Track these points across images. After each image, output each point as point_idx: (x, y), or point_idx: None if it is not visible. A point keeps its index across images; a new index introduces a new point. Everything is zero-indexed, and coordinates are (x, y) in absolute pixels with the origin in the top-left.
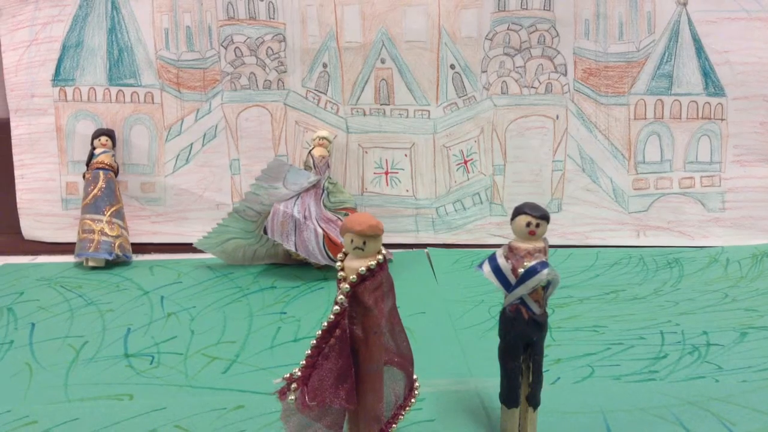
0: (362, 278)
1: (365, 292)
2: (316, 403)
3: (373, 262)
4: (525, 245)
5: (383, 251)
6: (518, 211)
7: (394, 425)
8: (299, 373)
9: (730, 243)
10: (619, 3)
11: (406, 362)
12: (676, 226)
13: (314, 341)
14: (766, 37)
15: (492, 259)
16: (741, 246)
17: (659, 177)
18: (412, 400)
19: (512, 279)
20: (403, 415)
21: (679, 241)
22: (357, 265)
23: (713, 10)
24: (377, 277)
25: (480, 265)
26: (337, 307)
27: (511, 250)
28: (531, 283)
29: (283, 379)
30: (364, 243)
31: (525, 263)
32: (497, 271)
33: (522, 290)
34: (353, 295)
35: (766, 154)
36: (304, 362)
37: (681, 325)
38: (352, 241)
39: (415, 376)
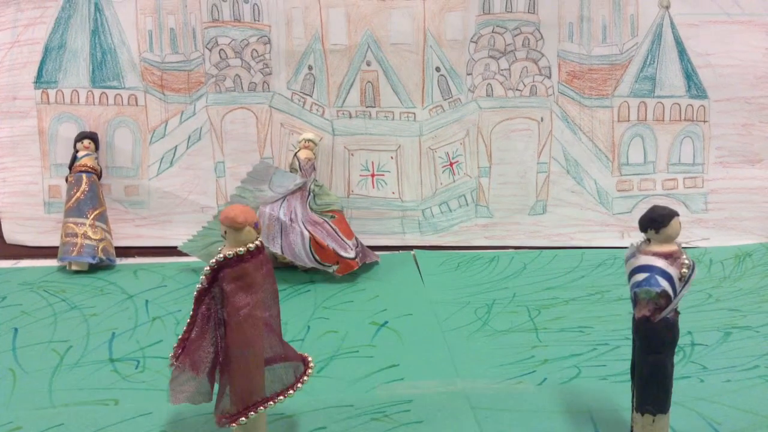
0: (221, 264)
1: (225, 278)
2: (180, 363)
3: (231, 252)
4: (678, 247)
5: (257, 243)
6: (671, 214)
7: (281, 397)
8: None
9: (713, 244)
10: (603, 6)
11: (288, 356)
12: None
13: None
14: (747, 40)
15: (662, 274)
16: (724, 246)
17: (643, 178)
18: (305, 378)
19: (678, 285)
20: (291, 393)
21: None
22: (225, 251)
23: (695, 14)
24: (242, 267)
25: (651, 285)
26: (198, 285)
27: (671, 256)
28: (692, 280)
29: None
30: (225, 232)
31: (685, 262)
32: (671, 280)
33: (686, 290)
34: (217, 280)
35: (748, 156)
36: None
37: None
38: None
39: (305, 355)
